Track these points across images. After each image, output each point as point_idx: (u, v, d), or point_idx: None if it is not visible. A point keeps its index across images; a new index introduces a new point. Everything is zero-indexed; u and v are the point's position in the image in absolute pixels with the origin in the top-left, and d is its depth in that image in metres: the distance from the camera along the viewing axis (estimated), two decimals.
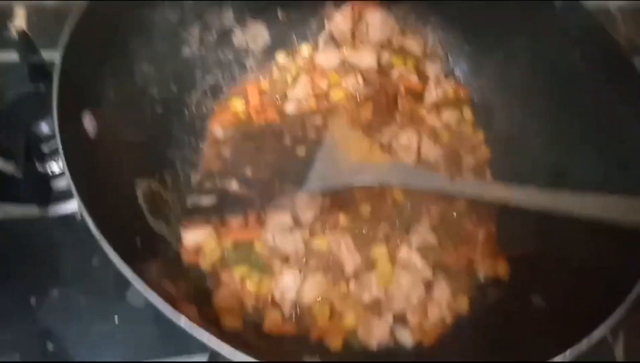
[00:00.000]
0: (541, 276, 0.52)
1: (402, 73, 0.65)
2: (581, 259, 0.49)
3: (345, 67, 0.66)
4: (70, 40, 0.41)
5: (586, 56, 0.54)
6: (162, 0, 0.53)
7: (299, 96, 0.64)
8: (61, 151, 0.37)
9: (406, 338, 0.51)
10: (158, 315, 0.55)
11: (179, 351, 0.56)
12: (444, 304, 0.52)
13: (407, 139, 0.60)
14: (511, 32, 0.62)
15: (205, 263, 0.51)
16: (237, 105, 0.64)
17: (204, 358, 0.55)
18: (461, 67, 0.69)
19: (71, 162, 0.36)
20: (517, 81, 0.63)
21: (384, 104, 0.62)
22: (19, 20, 0.74)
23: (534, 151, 0.60)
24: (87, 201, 0.36)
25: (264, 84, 0.66)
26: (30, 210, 0.60)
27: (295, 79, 0.66)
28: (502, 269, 0.56)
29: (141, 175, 0.51)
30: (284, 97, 0.64)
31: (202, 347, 0.55)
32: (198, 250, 0.51)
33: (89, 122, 0.42)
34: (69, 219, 0.61)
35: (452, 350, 0.51)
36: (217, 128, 0.62)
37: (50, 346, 0.54)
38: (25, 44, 0.64)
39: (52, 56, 0.67)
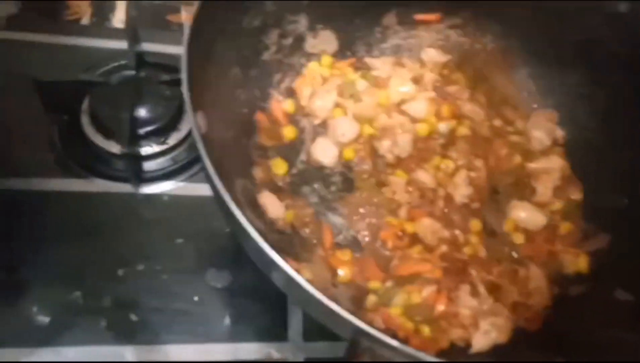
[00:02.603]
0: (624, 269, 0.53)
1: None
2: None
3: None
4: (189, 54, 0.45)
5: None
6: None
7: None
8: (200, 144, 0.40)
9: None
10: (235, 297, 0.59)
11: (252, 334, 0.58)
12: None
13: None
14: (568, 38, 0.63)
15: None
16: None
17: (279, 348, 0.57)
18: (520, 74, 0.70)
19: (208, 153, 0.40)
20: (573, 87, 0.65)
21: None
22: (120, 13, 0.79)
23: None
24: (223, 184, 0.39)
25: None
26: (123, 187, 0.64)
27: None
28: (583, 264, 0.56)
29: (236, 174, 0.54)
30: None
31: (275, 333, 0.57)
32: None
33: (201, 120, 0.45)
34: (156, 199, 0.65)
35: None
36: None
37: (133, 317, 0.57)
38: (132, 34, 0.69)
39: (150, 47, 0.74)
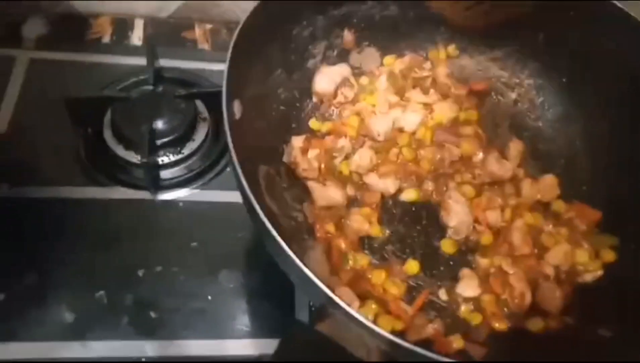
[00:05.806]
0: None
1: None
2: None
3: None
4: (233, 50, 0.50)
5: None
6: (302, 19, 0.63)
7: None
8: (227, 126, 0.45)
9: None
10: (246, 295, 0.63)
11: (263, 330, 0.62)
12: None
13: None
14: (607, 83, 0.64)
15: None
16: None
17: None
18: (554, 112, 0.71)
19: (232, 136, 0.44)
20: (605, 130, 0.65)
21: None
22: (139, 31, 0.85)
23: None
24: (246, 175, 0.43)
25: None
26: (142, 194, 0.69)
27: None
28: None
29: (262, 161, 0.58)
30: None
31: (284, 328, 0.61)
32: None
33: (237, 108, 0.51)
34: (172, 205, 0.69)
35: None
36: None
37: (153, 314, 0.61)
38: (151, 51, 0.74)
39: (166, 62, 0.79)
